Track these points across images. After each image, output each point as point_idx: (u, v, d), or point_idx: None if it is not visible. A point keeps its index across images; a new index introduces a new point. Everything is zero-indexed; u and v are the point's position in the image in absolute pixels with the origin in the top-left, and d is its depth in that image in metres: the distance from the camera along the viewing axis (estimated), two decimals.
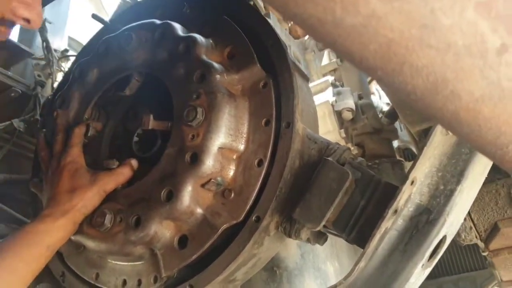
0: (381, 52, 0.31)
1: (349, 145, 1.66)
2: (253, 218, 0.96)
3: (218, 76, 1.02)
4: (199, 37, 1.07)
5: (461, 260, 2.46)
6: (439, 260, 2.59)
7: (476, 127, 0.37)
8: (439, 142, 0.85)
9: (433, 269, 2.68)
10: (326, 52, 2.01)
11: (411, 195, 0.86)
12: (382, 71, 0.33)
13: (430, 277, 2.49)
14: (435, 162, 0.86)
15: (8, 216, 1.61)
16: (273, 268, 1.28)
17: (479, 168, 0.88)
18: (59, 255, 1.15)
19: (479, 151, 0.41)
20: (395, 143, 2.23)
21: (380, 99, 2.24)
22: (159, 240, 1.01)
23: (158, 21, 1.15)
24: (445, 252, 2.62)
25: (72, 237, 1.05)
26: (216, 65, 1.03)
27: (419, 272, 0.87)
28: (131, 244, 1.02)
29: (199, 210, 0.99)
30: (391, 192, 0.87)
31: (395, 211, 0.85)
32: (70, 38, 2.25)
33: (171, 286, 1.04)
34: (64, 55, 1.86)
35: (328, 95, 1.62)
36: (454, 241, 2.32)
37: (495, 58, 0.32)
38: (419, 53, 0.31)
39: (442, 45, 0.30)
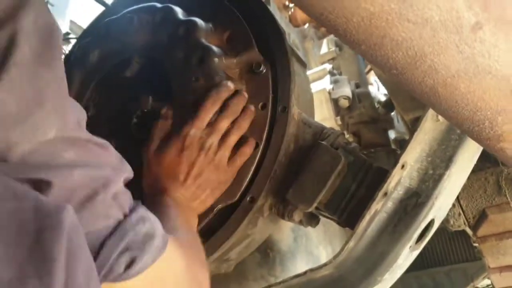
0: (364, 25, 0.33)
1: (345, 133, 1.68)
2: (248, 198, 0.99)
3: (216, 60, 1.04)
4: (199, 20, 1.09)
5: (453, 252, 2.49)
6: (432, 251, 2.62)
7: (453, 102, 0.39)
8: (430, 127, 0.87)
9: (426, 259, 2.70)
10: (325, 41, 2.03)
11: (401, 178, 0.88)
12: (366, 44, 0.35)
13: (422, 267, 2.53)
14: (425, 147, 0.88)
15: None
16: (266, 250, 1.31)
17: (468, 155, 0.90)
18: None
19: (458, 129, 0.43)
20: (392, 135, 2.26)
21: (378, 90, 2.26)
22: None
23: (159, 5, 1.17)
24: (437, 243, 2.65)
25: None
26: (214, 48, 1.05)
27: (407, 253, 0.90)
28: None
29: None
30: (382, 176, 0.90)
31: (385, 194, 0.87)
32: (71, 22, 2.25)
33: None
34: (65, 37, 1.88)
35: (325, 83, 1.64)
36: (446, 233, 2.36)
37: (470, 34, 0.34)
38: (398, 27, 0.33)
39: (420, 20, 0.32)
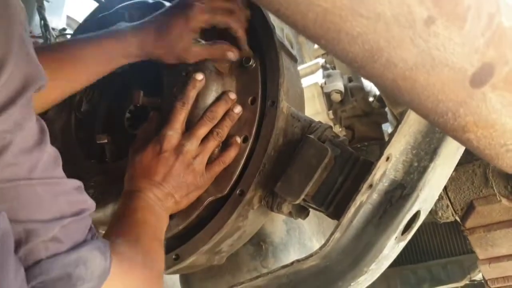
0: (319, 21, 0.34)
1: (337, 126, 1.69)
2: (237, 192, 1.01)
3: None
4: None
5: (450, 245, 2.50)
6: (428, 244, 2.64)
7: (415, 95, 0.40)
8: (415, 120, 0.88)
9: (422, 252, 2.72)
10: None
11: (386, 171, 0.90)
12: (324, 39, 0.36)
13: (419, 260, 2.54)
14: (410, 139, 0.90)
15: None
16: (259, 242, 1.32)
17: (452, 147, 0.91)
18: None
19: (426, 120, 0.44)
20: (389, 129, 2.26)
21: None
22: None
23: (150, 1, 1.18)
24: (434, 236, 2.66)
25: None
26: None
27: (393, 244, 0.91)
28: None
29: None
30: (368, 168, 0.91)
31: (370, 186, 0.89)
32: (68, 18, 2.27)
33: None
34: (61, 33, 1.90)
35: (317, 77, 1.65)
36: (443, 226, 2.37)
37: (424, 28, 0.35)
38: (353, 22, 0.34)
39: (372, 15, 0.34)
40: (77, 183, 0.64)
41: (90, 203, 0.66)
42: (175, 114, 0.99)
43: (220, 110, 1.02)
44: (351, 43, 0.36)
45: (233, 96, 1.04)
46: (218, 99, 1.03)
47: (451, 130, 0.44)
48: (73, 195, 0.62)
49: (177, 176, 0.97)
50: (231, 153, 1.02)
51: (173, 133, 0.98)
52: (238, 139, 1.02)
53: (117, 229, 0.78)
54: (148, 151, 0.98)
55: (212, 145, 1.01)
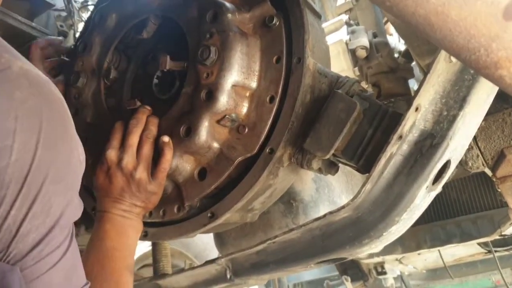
0: None
1: (363, 84, 1.68)
2: (267, 150, 1.02)
3: (230, 15, 1.05)
4: None
5: (479, 199, 2.49)
6: (458, 200, 2.64)
7: (447, 31, 0.40)
8: (443, 69, 0.88)
9: (452, 208, 2.71)
10: None
11: (416, 121, 0.90)
12: None
13: (448, 216, 2.54)
14: (439, 89, 0.89)
15: None
16: (290, 201, 1.35)
17: (482, 95, 0.90)
18: (90, 192, 1.23)
19: (458, 59, 0.45)
20: (415, 86, 2.23)
21: (399, 41, 2.23)
22: (180, 173, 1.09)
23: None
24: (463, 191, 2.65)
25: None
26: (227, 4, 1.06)
27: (424, 194, 0.92)
28: None
29: (215, 145, 1.06)
30: (397, 120, 0.91)
31: (400, 137, 0.89)
32: None
33: (194, 215, 1.12)
34: (83, 5, 1.91)
35: (342, 34, 1.63)
36: (472, 180, 2.35)
37: None
38: None
39: None
40: None
41: None
42: (112, 133, 1.09)
43: (141, 114, 1.10)
44: None
45: (147, 107, 1.13)
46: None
47: (483, 68, 0.44)
48: None
49: (128, 188, 1.05)
50: (167, 156, 1.06)
51: (111, 150, 1.07)
52: (166, 138, 1.06)
53: (93, 258, 0.92)
54: (99, 173, 1.08)
55: (147, 149, 1.07)
